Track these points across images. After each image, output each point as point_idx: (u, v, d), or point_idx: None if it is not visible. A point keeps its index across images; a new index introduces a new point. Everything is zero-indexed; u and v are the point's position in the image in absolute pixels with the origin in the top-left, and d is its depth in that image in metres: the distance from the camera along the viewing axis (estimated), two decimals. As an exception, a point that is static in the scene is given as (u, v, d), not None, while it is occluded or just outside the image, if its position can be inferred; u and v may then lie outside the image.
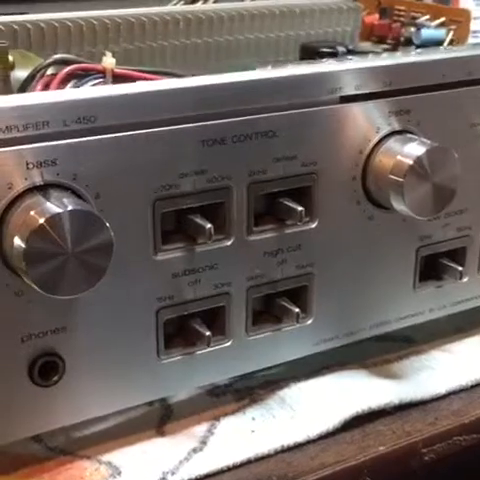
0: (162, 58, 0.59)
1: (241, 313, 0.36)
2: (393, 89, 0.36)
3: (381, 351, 0.42)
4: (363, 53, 0.57)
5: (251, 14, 0.62)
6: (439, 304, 0.42)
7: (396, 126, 0.37)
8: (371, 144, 0.37)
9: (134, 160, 0.31)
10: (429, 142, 0.36)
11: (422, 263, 0.41)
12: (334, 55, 0.57)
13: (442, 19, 0.68)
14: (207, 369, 0.36)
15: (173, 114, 0.31)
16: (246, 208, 0.34)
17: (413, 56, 0.38)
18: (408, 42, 0.69)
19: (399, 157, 0.36)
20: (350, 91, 0.35)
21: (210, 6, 0.62)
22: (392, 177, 0.36)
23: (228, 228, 0.34)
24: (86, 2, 0.70)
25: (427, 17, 0.69)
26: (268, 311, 0.37)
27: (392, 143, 0.37)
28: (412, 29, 0.69)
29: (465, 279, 0.42)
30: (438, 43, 0.68)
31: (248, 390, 0.39)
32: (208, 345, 0.34)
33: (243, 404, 0.38)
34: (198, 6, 0.62)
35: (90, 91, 0.30)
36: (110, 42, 0.56)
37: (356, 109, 0.36)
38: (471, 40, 0.74)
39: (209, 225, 0.33)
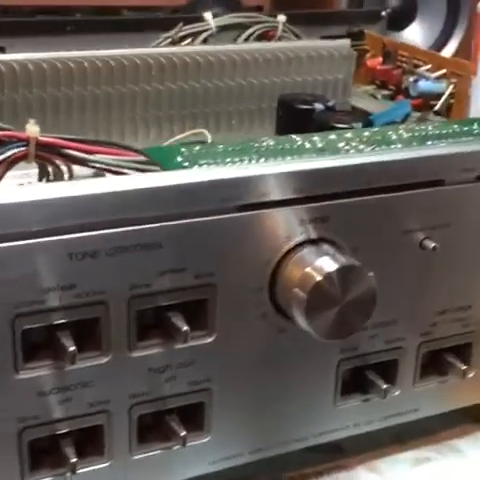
0: (132, 103, 0.56)
1: (123, 432, 0.33)
2: (306, 196, 0.33)
3: (303, 462, 0.39)
4: (342, 112, 0.54)
5: (232, 60, 0.59)
6: (366, 419, 0.38)
7: (312, 234, 0.33)
8: (279, 254, 0.33)
9: (-14, 275, 0.28)
10: (344, 259, 0.32)
11: (346, 375, 0.37)
12: (311, 112, 0.54)
13: (443, 71, 0.64)
14: (81, 491, 0.33)
15: (32, 227, 0.28)
16: (126, 323, 0.31)
17: (333, 160, 0.34)
18: (408, 91, 0.66)
19: (308, 270, 0.32)
20: (252, 199, 0.32)
21: (189, 49, 0.59)
22: (297, 291, 0.32)
23: (105, 345, 0.31)
24: (68, 37, 0.67)
25: (428, 67, 0.65)
26: (158, 428, 0.34)
27: (305, 253, 0.33)
28: (411, 78, 0.65)
29: (397, 393, 0.38)
30: (437, 96, 0.64)
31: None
32: (73, 472, 0.31)
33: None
34: (175, 49, 0.58)
35: None
36: (75, 85, 0.53)
37: (260, 218, 0.32)
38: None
39: (72, 348, 0.30)
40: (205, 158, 0.37)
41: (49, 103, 0.51)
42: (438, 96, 0.63)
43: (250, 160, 0.37)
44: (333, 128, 0.50)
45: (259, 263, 0.33)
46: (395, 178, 0.34)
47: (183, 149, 0.39)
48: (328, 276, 0.32)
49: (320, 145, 0.40)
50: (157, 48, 0.58)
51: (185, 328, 0.31)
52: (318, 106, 0.55)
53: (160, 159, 0.38)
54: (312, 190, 0.33)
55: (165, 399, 0.33)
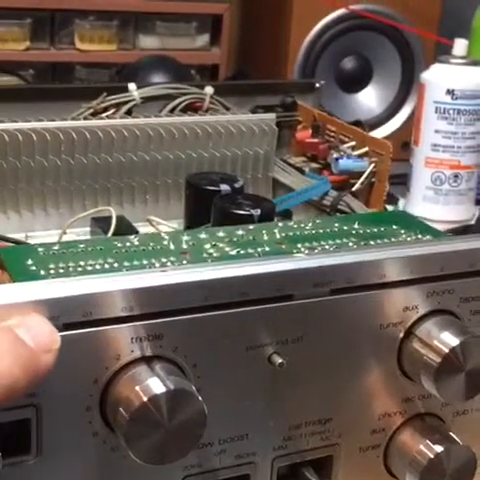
0: (42, 176, 0.56)
1: None
2: (136, 314, 0.32)
3: None
4: (245, 197, 0.52)
5: (146, 134, 0.58)
6: None
7: (146, 352, 0.32)
8: (109, 373, 0.32)
9: None
10: (173, 382, 0.31)
11: (194, 492, 0.36)
12: (216, 193, 0.53)
13: (365, 149, 0.63)
14: None
15: None
16: None
17: (166, 276, 0.33)
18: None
19: (134, 390, 0.31)
20: (74, 319, 0.31)
21: (103, 122, 0.59)
22: (121, 411, 0.31)
23: None
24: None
25: (352, 144, 0.65)
26: None
27: (136, 372, 0.32)
28: (334, 155, 0.64)
29: (251, 508, 0.37)
30: (359, 175, 0.63)
31: None
32: None
33: None
34: (88, 122, 0.58)
35: None
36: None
37: (86, 336, 0.31)
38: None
39: None
40: (57, 262, 0.36)
41: None
42: (359, 175, 0.63)
43: (103, 265, 0.37)
44: (232, 214, 0.50)
45: (85, 382, 0.32)
46: (236, 294, 0.33)
47: (40, 249, 0.38)
48: (154, 398, 0.31)
49: (185, 246, 0.39)
50: (68, 121, 0.58)
51: (-6, 454, 0.30)
52: (224, 187, 0.54)
53: (13, 259, 0.37)
54: (143, 308, 0.32)
55: (-13, 521, 0.32)
